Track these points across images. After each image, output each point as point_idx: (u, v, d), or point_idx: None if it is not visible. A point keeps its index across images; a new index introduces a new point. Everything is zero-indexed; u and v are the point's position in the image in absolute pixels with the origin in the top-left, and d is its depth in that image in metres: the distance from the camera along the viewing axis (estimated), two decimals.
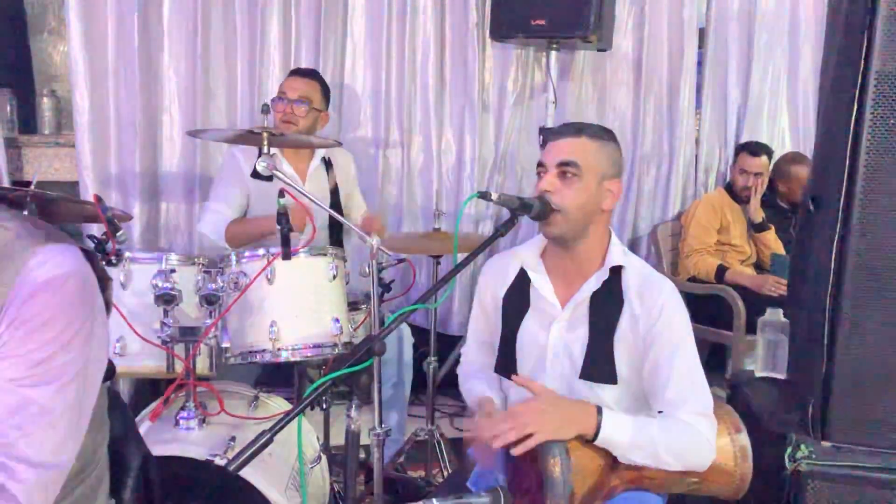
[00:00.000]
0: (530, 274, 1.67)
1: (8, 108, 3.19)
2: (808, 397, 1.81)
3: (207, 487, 1.76)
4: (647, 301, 1.56)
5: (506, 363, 1.69)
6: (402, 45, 3.46)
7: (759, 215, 3.62)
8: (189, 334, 1.92)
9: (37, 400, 0.91)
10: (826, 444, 1.77)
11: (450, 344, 3.50)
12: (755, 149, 3.66)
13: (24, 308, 0.91)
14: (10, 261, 0.92)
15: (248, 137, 2.14)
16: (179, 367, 1.93)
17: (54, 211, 2.07)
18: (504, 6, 3.18)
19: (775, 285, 3.34)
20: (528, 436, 1.38)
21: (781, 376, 2.17)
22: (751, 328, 3.13)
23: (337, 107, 3.39)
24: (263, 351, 1.94)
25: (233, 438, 1.85)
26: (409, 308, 1.41)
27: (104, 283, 1.03)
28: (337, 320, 1.99)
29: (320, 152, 2.79)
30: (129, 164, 3.19)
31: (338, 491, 2.29)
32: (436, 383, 2.72)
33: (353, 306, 2.28)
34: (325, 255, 2.03)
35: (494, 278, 1.74)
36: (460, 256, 1.60)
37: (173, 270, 1.93)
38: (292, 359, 1.97)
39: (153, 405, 2.03)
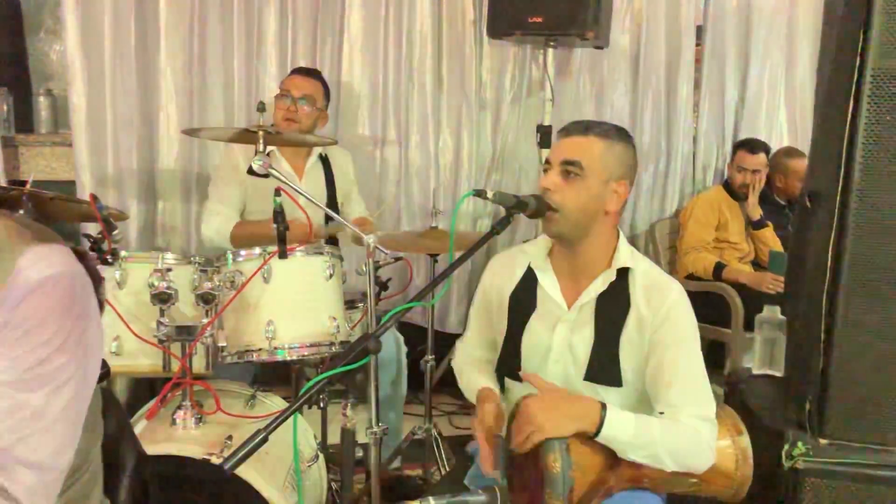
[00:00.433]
0: (538, 273, 1.65)
1: (4, 107, 3.18)
2: (805, 394, 1.81)
3: (204, 486, 1.75)
4: (654, 303, 1.55)
5: (508, 363, 1.67)
6: (400, 43, 3.45)
7: (757, 212, 3.62)
8: (185, 333, 1.92)
9: (30, 404, 0.90)
10: (823, 441, 1.77)
11: (447, 342, 3.49)
12: (753, 146, 3.65)
13: (16, 310, 0.90)
14: None
15: (244, 136, 2.14)
16: (176, 365, 1.93)
17: (50, 210, 2.07)
18: (501, 3, 3.16)
19: (773, 282, 3.33)
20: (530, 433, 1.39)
21: (779, 374, 2.17)
22: (749, 325, 3.13)
23: (334, 105, 3.38)
24: (260, 350, 1.94)
25: (229, 437, 1.84)
26: (404, 306, 1.41)
27: (96, 282, 1.03)
28: (334, 319, 1.99)
29: (317, 150, 2.79)
30: (126, 162, 3.18)
31: (336, 490, 2.29)
32: (433, 381, 2.71)
33: (350, 305, 2.28)
34: (321, 253, 2.03)
35: (501, 275, 1.71)
36: (457, 255, 1.59)
37: (169, 269, 1.93)
38: (289, 358, 1.96)
39: (150, 404, 2.02)
